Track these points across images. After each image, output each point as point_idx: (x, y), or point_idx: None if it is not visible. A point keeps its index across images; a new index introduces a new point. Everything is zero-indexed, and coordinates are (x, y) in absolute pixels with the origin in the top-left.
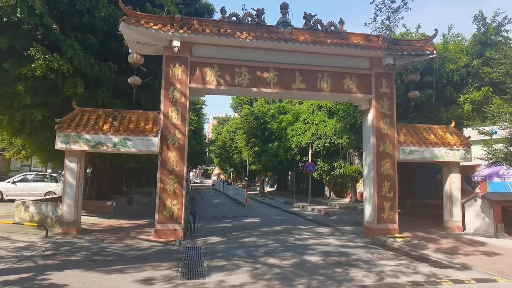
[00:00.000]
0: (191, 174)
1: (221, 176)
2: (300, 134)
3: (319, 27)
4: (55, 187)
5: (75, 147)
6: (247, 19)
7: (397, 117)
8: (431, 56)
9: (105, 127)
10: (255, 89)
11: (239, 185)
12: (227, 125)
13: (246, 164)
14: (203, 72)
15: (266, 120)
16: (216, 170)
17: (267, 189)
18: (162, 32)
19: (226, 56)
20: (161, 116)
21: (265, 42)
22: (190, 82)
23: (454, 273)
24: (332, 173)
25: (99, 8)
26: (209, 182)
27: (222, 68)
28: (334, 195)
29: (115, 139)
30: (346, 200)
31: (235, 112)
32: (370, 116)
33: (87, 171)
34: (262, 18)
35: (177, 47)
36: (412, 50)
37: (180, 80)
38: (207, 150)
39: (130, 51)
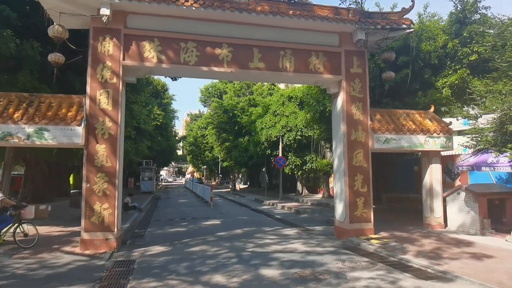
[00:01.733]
0: (163, 172)
1: (195, 174)
2: (270, 127)
3: None
4: None
5: None
6: None
7: (370, 103)
8: (408, 30)
9: (16, 115)
10: (205, 68)
11: (212, 183)
12: (199, 121)
13: (219, 161)
14: (140, 47)
15: (236, 114)
16: (190, 168)
17: (240, 186)
18: None
19: (169, 29)
20: (87, 101)
21: (215, 12)
22: (124, 59)
23: (443, 286)
24: (304, 168)
25: None
26: (182, 180)
27: (164, 43)
28: (306, 191)
29: (29, 129)
30: (319, 196)
31: (205, 106)
32: (340, 100)
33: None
34: None
35: (106, 16)
36: (386, 24)
37: (112, 56)
38: (179, 147)
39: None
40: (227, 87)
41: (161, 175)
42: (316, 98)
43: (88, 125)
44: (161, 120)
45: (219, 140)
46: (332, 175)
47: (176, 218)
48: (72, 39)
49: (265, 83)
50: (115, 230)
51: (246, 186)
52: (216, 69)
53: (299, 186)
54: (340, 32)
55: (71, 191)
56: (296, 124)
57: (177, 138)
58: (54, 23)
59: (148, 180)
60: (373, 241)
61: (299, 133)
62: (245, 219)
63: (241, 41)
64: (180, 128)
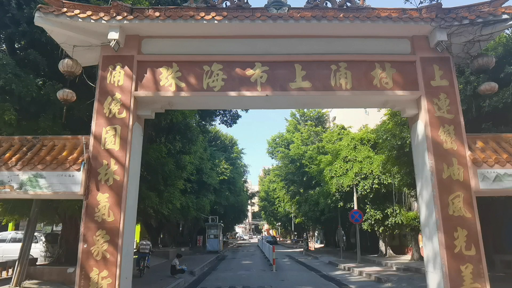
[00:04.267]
0: (239, 230)
1: (271, 232)
2: (340, 175)
3: (329, 4)
4: (32, 248)
5: None
6: (225, 3)
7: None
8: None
9: (11, 160)
10: (233, 93)
11: (288, 241)
12: (271, 174)
13: (291, 216)
14: (156, 75)
15: (303, 163)
16: (266, 225)
17: (315, 245)
18: (92, 21)
19: (189, 51)
20: (91, 140)
21: (242, 24)
22: (136, 89)
23: None
24: (386, 223)
25: None
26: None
27: (183, 67)
28: (391, 252)
29: (23, 176)
30: (407, 257)
31: (272, 158)
32: (421, 124)
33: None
34: (245, 0)
35: (115, 40)
36: (477, 17)
37: (122, 87)
38: (251, 203)
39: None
40: (294, 136)
41: (236, 233)
42: (392, 132)
43: (90, 170)
44: (228, 175)
45: (289, 194)
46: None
47: (224, 287)
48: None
49: (335, 126)
50: None
51: (322, 245)
52: (247, 93)
53: (381, 246)
54: (411, 36)
55: None
56: (372, 171)
57: (248, 193)
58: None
59: (214, 238)
60: None
61: (376, 181)
62: None
63: (279, 57)
64: (256, 184)
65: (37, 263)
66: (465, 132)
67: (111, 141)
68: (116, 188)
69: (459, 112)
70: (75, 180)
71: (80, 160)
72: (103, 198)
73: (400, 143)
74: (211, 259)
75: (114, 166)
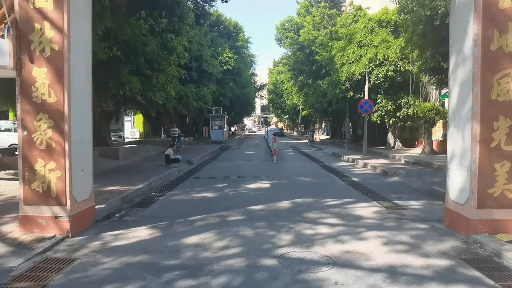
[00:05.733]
0: (249, 122)
1: (279, 125)
2: (353, 62)
3: None
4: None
5: None
6: None
7: None
8: None
9: None
10: None
11: (295, 133)
12: (279, 66)
13: (299, 109)
14: None
15: (313, 50)
16: (275, 118)
17: (321, 137)
18: None
19: None
20: None
21: None
22: None
23: None
24: (397, 114)
25: None
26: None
27: None
28: (400, 145)
29: None
30: (417, 151)
31: (280, 46)
32: None
33: None
34: None
35: None
36: None
37: None
38: (258, 95)
39: None
40: (305, 20)
41: (245, 125)
42: (420, 1)
43: (20, 37)
44: (233, 64)
45: (297, 85)
46: (438, 123)
47: (219, 176)
48: None
49: (352, 8)
50: (67, 203)
51: (328, 137)
52: None
53: (390, 138)
54: None
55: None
56: (388, 56)
57: (256, 86)
58: None
59: (218, 129)
60: None
61: (391, 68)
62: (306, 181)
63: None
64: (266, 77)
65: (16, 153)
66: None
67: None
68: (54, 60)
69: None
70: (1, 51)
71: (3, 24)
72: (40, 74)
73: (429, 13)
74: (214, 149)
75: (50, 32)
